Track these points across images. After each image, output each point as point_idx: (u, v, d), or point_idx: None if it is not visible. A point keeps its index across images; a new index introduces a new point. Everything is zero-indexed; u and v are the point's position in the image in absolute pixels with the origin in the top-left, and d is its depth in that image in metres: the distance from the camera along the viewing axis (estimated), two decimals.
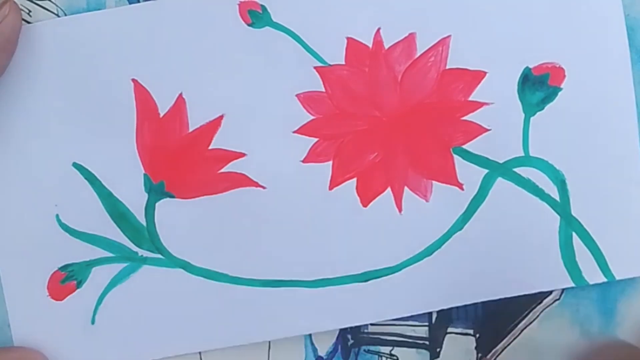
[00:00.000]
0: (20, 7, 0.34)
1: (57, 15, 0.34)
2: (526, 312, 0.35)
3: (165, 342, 0.34)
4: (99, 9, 0.34)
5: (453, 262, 0.35)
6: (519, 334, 0.35)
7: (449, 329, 0.36)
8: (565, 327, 0.35)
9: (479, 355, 0.35)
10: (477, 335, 0.35)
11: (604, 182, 0.35)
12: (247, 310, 0.34)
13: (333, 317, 0.35)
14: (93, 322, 0.35)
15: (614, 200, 0.35)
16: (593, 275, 0.35)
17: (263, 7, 0.34)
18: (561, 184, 0.35)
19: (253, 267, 0.35)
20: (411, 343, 0.35)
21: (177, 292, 0.34)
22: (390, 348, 0.35)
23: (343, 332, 0.35)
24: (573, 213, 0.35)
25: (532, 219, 0.34)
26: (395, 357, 0.35)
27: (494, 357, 0.35)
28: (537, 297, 0.35)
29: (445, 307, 0.35)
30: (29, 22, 0.34)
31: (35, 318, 0.35)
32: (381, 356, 0.35)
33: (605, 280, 0.35)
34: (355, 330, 0.35)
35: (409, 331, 0.35)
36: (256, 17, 0.34)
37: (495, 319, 0.35)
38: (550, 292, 0.35)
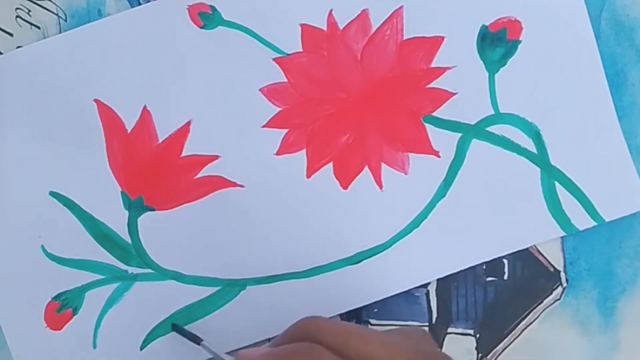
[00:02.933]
0: (20, 6, 0.34)
1: (57, 15, 0.34)
2: (526, 312, 0.35)
3: (167, 354, 0.34)
4: (99, 9, 0.34)
5: (441, 230, 0.34)
6: (520, 334, 0.35)
7: (449, 329, 0.35)
8: (565, 327, 0.35)
9: (479, 355, 0.35)
10: (478, 336, 0.35)
11: (578, 128, 0.35)
12: (245, 310, 0.34)
13: (331, 304, 0.34)
14: (95, 346, 0.35)
15: (591, 144, 0.35)
16: (582, 221, 0.35)
17: (212, 7, 0.34)
18: (536, 136, 0.34)
19: (244, 267, 0.34)
20: None
21: (172, 302, 0.34)
22: None
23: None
24: (552, 162, 0.34)
25: (512, 174, 0.34)
26: None
27: (495, 357, 0.35)
28: (537, 297, 0.35)
29: (441, 276, 0.35)
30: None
31: (38, 351, 0.35)
32: None
33: (594, 224, 0.34)
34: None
35: None
36: (207, 18, 0.34)
37: (496, 319, 0.35)
38: (551, 292, 0.35)
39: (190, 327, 0.34)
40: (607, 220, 0.34)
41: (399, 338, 0.27)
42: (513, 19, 0.34)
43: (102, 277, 0.34)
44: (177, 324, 0.34)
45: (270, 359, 0.26)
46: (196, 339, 0.33)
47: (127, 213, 0.34)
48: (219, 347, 0.33)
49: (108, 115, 0.34)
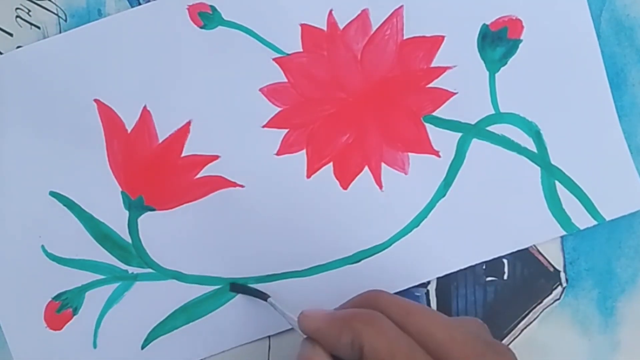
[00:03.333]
0: (20, 6, 0.34)
1: (57, 15, 0.34)
2: (526, 312, 0.35)
3: (168, 353, 0.34)
4: (99, 9, 0.34)
5: (441, 230, 0.34)
6: (519, 333, 0.35)
7: None
8: (565, 327, 0.35)
9: None
10: None
11: (579, 127, 0.35)
12: (245, 309, 0.34)
13: (331, 303, 0.34)
14: (95, 346, 0.35)
15: (591, 143, 0.35)
16: (582, 220, 0.35)
17: (212, 7, 0.34)
18: (536, 135, 0.34)
19: (244, 266, 0.34)
20: None
21: (172, 302, 0.34)
22: None
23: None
24: (552, 162, 0.34)
25: (512, 174, 0.34)
26: None
27: None
28: (537, 297, 0.35)
29: (440, 275, 0.35)
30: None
31: (38, 351, 0.35)
32: None
33: (595, 223, 0.34)
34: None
35: None
36: (207, 18, 0.34)
37: (495, 319, 0.35)
38: (551, 292, 0.35)
39: (190, 327, 0.34)
40: (607, 219, 0.34)
41: (459, 323, 0.27)
42: (514, 18, 0.34)
43: (102, 277, 0.34)
44: (236, 284, 0.34)
45: (333, 319, 0.27)
46: (263, 295, 0.33)
47: (127, 213, 0.34)
48: (216, 345, 0.34)
49: (108, 115, 0.34)
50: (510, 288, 0.35)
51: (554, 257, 0.35)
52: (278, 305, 0.32)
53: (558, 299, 0.35)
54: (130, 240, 0.34)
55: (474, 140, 0.34)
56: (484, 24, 0.34)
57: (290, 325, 0.31)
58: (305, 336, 0.28)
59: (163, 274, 0.34)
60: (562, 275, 0.35)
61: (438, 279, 0.35)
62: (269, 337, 0.35)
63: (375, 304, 0.27)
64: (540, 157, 0.34)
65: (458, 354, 0.26)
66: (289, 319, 0.30)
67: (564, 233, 0.35)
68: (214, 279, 0.34)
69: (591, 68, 0.34)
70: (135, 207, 0.34)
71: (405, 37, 0.34)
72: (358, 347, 0.26)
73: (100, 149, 0.34)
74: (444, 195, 0.34)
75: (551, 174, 0.34)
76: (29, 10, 0.34)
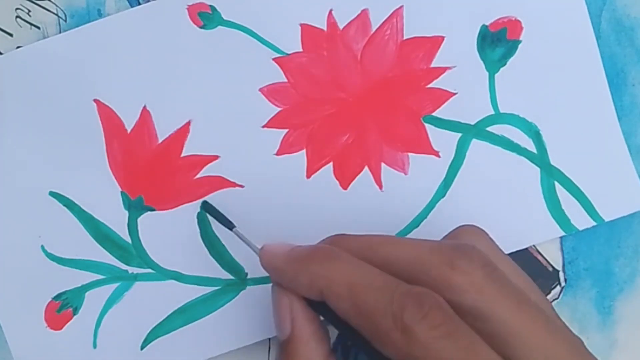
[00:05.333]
0: (20, 7, 0.34)
1: (57, 15, 0.34)
2: None
3: (168, 354, 0.34)
4: (99, 9, 0.34)
5: (441, 230, 0.34)
6: None
7: None
8: None
9: None
10: None
11: (578, 127, 0.35)
12: (245, 310, 0.34)
13: None
14: (95, 346, 0.35)
15: (591, 144, 0.35)
16: (581, 221, 0.35)
17: (212, 7, 0.34)
18: (536, 136, 0.34)
19: (244, 266, 0.34)
20: None
21: (172, 302, 0.34)
22: None
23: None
24: (552, 162, 0.34)
25: (512, 174, 0.34)
26: None
27: None
28: None
29: None
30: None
31: (38, 351, 0.35)
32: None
33: (594, 223, 0.35)
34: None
35: None
36: (207, 18, 0.34)
37: None
38: (549, 292, 0.35)
39: (189, 328, 0.35)
40: (606, 220, 0.35)
41: (431, 242, 0.26)
42: (513, 19, 0.34)
43: (102, 277, 0.34)
44: (208, 202, 0.34)
45: (290, 259, 0.26)
46: (229, 224, 0.32)
47: (127, 213, 0.34)
48: (215, 346, 0.34)
49: (108, 115, 0.34)
50: None
51: (553, 256, 0.35)
52: (244, 235, 0.31)
53: (557, 298, 0.35)
54: (130, 241, 0.34)
55: (474, 140, 0.34)
56: (484, 25, 0.34)
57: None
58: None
59: (163, 274, 0.34)
60: (561, 274, 0.35)
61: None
62: (269, 340, 0.35)
63: (336, 243, 0.27)
64: (540, 158, 0.34)
65: (424, 267, 0.24)
66: (254, 249, 0.30)
67: (563, 234, 0.35)
68: (214, 279, 0.34)
69: (590, 68, 0.34)
70: (135, 207, 0.34)
71: (405, 37, 0.34)
72: (317, 289, 0.25)
73: (100, 149, 0.34)
74: (443, 196, 0.34)
75: (551, 174, 0.34)
76: (29, 11, 0.34)
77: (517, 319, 0.24)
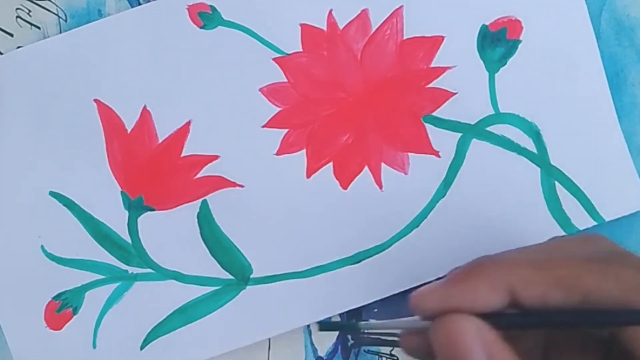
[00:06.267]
0: (20, 7, 0.34)
1: (57, 15, 0.34)
2: None
3: (167, 354, 0.34)
4: (99, 9, 0.34)
5: (441, 230, 0.34)
6: None
7: None
8: None
9: None
10: None
11: (578, 127, 0.34)
12: (245, 310, 0.34)
13: (331, 304, 0.34)
14: (94, 346, 0.35)
15: (591, 144, 0.35)
16: (582, 221, 0.34)
17: (212, 7, 0.34)
18: (536, 136, 0.34)
19: (244, 266, 0.34)
20: None
21: (172, 302, 0.34)
22: (390, 348, 0.35)
23: (343, 332, 0.35)
24: (552, 162, 0.34)
25: (512, 174, 0.34)
26: (395, 358, 0.35)
27: None
28: None
29: (440, 275, 0.34)
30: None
31: (38, 351, 0.35)
32: (381, 356, 0.35)
33: (594, 223, 0.34)
34: (356, 331, 0.35)
35: None
36: (207, 18, 0.34)
37: None
38: None
39: (189, 328, 0.34)
40: (606, 220, 0.34)
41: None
42: (513, 19, 0.34)
43: (102, 277, 0.34)
44: (324, 323, 0.31)
45: (451, 281, 0.23)
46: (354, 326, 0.27)
47: (127, 213, 0.34)
48: (215, 346, 0.34)
49: (108, 115, 0.34)
50: None
51: None
52: (373, 323, 0.28)
53: None
54: (130, 240, 0.34)
55: (474, 140, 0.34)
56: (484, 25, 0.34)
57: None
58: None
59: (163, 274, 0.34)
60: None
61: (438, 279, 0.35)
62: (269, 339, 0.35)
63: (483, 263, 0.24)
64: (540, 158, 0.34)
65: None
66: (397, 325, 0.26)
67: (564, 234, 0.34)
68: (214, 279, 0.34)
69: (590, 68, 0.34)
70: (135, 207, 0.34)
71: (405, 37, 0.34)
72: (503, 286, 0.22)
73: (100, 149, 0.34)
74: (443, 196, 0.34)
75: (551, 174, 0.34)
76: (29, 11, 0.34)
77: None
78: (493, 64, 0.34)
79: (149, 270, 0.34)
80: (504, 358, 0.22)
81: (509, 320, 0.23)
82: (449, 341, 0.22)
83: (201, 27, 0.34)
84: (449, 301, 0.23)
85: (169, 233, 0.34)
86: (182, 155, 0.34)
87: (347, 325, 0.29)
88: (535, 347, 0.24)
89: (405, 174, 0.34)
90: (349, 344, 0.35)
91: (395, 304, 0.35)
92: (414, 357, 0.25)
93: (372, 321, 0.27)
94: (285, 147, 0.34)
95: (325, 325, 0.27)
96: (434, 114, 0.34)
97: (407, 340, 0.25)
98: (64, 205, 0.34)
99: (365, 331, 0.29)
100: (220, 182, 0.34)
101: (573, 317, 0.22)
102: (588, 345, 0.24)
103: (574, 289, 0.22)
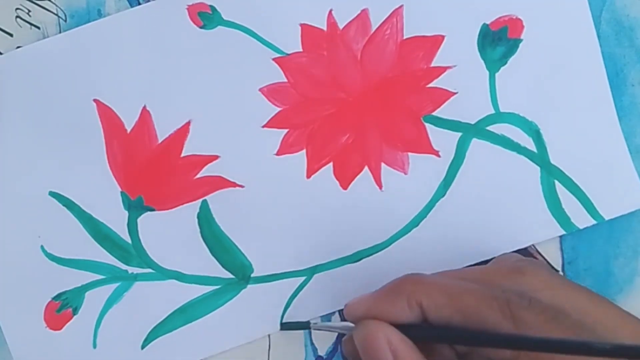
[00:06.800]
0: (20, 7, 0.34)
1: (57, 15, 0.34)
2: None
3: (168, 353, 0.34)
4: (99, 9, 0.34)
5: (441, 229, 0.35)
6: None
7: None
8: None
9: None
10: None
11: (578, 126, 0.35)
12: (245, 309, 0.34)
13: (331, 302, 0.35)
14: (95, 346, 0.35)
15: (591, 143, 0.35)
16: (582, 220, 0.35)
17: (212, 7, 0.34)
18: (536, 135, 0.34)
19: (244, 265, 0.34)
20: None
21: (172, 302, 0.34)
22: None
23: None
24: (552, 161, 0.34)
25: (512, 173, 0.34)
26: None
27: None
28: None
29: None
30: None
31: (38, 351, 0.35)
32: None
33: (594, 222, 0.34)
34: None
35: None
36: (207, 18, 0.34)
37: None
38: None
39: (190, 327, 0.34)
40: (606, 218, 0.35)
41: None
42: (514, 18, 0.34)
43: (102, 277, 0.34)
44: (284, 323, 0.34)
45: (379, 295, 0.28)
46: (305, 325, 0.33)
47: (126, 213, 0.34)
48: (216, 345, 0.34)
49: (108, 115, 0.34)
50: None
51: (553, 256, 0.35)
52: (321, 324, 0.33)
53: None
54: (130, 241, 0.34)
55: (474, 140, 0.34)
56: (484, 24, 0.34)
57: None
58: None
59: (163, 274, 0.34)
60: (561, 274, 0.35)
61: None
62: (269, 336, 0.35)
63: (413, 278, 0.29)
64: (540, 157, 0.34)
65: (497, 277, 0.28)
66: (335, 328, 0.32)
67: (564, 232, 0.35)
68: (214, 279, 0.34)
69: (591, 68, 0.34)
70: (135, 207, 0.34)
71: (405, 37, 0.34)
72: (415, 303, 0.27)
73: (99, 149, 0.34)
74: (443, 195, 0.34)
75: (551, 173, 0.34)
76: (29, 11, 0.34)
77: (595, 308, 0.26)
78: (493, 63, 0.34)
79: (149, 270, 0.34)
80: (407, 356, 0.26)
81: (418, 332, 0.27)
82: (364, 341, 0.27)
83: (201, 27, 0.34)
84: (371, 311, 0.28)
85: (169, 233, 0.34)
86: (182, 155, 0.34)
87: (302, 325, 0.33)
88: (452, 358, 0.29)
89: (405, 173, 0.34)
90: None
91: None
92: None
93: (319, 322, 0.33)
94: (285, 147, 0.34)
95: (285, 325, 0.34)
96: (434, 113, 0.34)
97: (345, 345, 0.31)
98: (64, 205, 0.34)
99: (316, 330, 0.33)
100: (220, 182, 0.34)
101: (472, 338, 0.26)
102: None
103: (472, 319, 0.26)
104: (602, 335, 0.26)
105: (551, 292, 0.27)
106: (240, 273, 0.34)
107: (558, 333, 0.25)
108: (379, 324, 0.27)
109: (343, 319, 0.35)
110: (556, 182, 0.34)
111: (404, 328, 0.27)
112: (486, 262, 0.34)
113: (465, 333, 0.27)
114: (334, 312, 0.35)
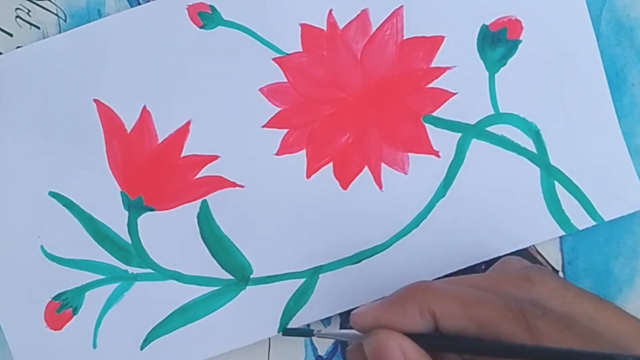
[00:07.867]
0: (20, 7, 0.34)
1: (57, 15, 0.34)
2: None
3: (167, 354, 0.34)
4: (99, 9, 0.34)
5: (441, 230, 0.35)
6: None
7: None
8: None
9: None
10: None
11: (578, 127, 0.35)
12: (245, 310, 0.34)
13: (331, 303, 0.35)
14: (95, 346, 0.35)
15: (590, 144, 0.35)
16: (581, 220, 0.35)
17: (212, 7, 0.34)
18: (536, 136, 0.34)
19: (244, 266, 0.34)
20: None
21: (172, 302, 0.34)
22: None
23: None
24: (552, 162, 0.34)
25: (512, 174, 0.34)
26: None
27: None
28: None
29: (441, 275, 0.35)
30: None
31: (38, 351, 0.35)
32: None
33: (594, 223, 0.34)
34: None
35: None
36: (207, 18, 0.34)
37: None
38: None
39: (189, 328, 0.34)
40: (606, 219, 0.35)
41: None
42: (513, 19, 0.34)
43: (102, 277, 0.34)
44: (287, 329, 0.33)
45: (388, 303, 0.27)
46: (309, 332, 0.32)
47: (126, 213, 0.34)
48: (215, 346, 0.34)
49: (108, 115, 0.34)
50: None
51: (553, 257, 0.35)
52: (325, 331, 0.31)
53: None
54: (129, 241, 0.34)
55: (474, 140, 0.34)
56: (484, 25, 0.34)
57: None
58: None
59: (163, 274, 0.34)
60: (561, 275, 0.35)
61: (438, 279, 0.35)
62: (269, 339, 0.35)
63: (422, 285, 0.28)
64: (540, 158, 0.34)
65: (507, 287, 0.27)
66: (341, 336, 0.31)
67: (563, 233, 0.35)
68: (214, 279, 0.34)
69: (590, 68, 0.34)
70: (135, 207, 0.34)
71: (405, 37, 0.34)
72: (428, 312, 0.26)
73: (99, 149, 0.34)
74: (443, 196, 0.34)
75: (550, 174, 0.34)
76: (29, 11, 0.34)
77: (602, 314, 0.26)
78: (493, 64, 0.34)
79: (149, 270, 0.34)
80: None
81: (430, 341, 0.27)
82: (376, 351, 0.26)
83: (201, 27, 0.34)
84: (380, 320, 0.27)
85: (169, 233, 0.34)
86: (182, 155, 0.34)
87: (306, 332, 0.32)
88: None
89: (405, 174, 0.34)
90: (349, 343, 0.35)
91: None
92: None
93: (324, 331, 0.32)
94: (285, 147, 0.34)
95: (288, 331, 0.32)
96: (434, 114, 0.34)
97: (352, 355, 0.30)
98: (64, 205, 0.34)
99: (320, 337, 0.31)
100: (220, 182, 0.34)
101: (489, 348, 0.26)
102: None
103: (487, 329, 0.26)
104: (611, 341, 0.25)
105: (561, 300, 0.26)
106: (240, 274, 0.34)
107: (572, 342, 0.25)
108: (392, 334, 0.26)
109: (344, 322, 0.35)
110: (556, 183, 0.34)
111: (414, 337, 0.26)
112: (486, 262, 0.34)
113: (481, 343, 0.26)
114: (334, 314, 0.35)
